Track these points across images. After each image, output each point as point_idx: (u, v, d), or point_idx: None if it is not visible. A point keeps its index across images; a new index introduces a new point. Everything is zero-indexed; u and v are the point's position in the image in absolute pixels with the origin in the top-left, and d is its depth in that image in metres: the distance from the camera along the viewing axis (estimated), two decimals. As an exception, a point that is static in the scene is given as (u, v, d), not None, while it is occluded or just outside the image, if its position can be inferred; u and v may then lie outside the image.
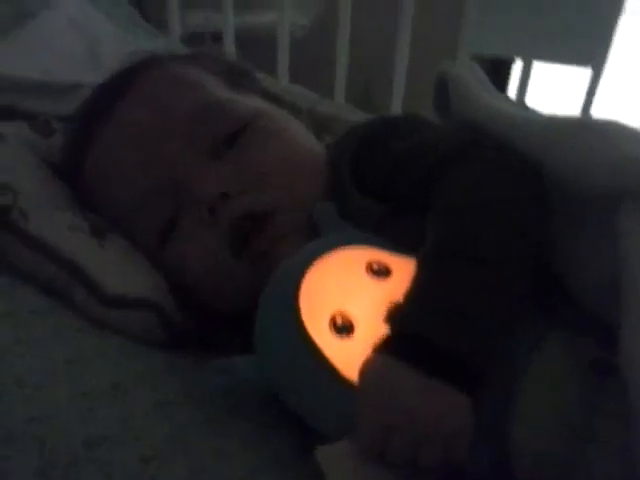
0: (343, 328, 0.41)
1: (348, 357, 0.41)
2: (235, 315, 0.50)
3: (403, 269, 0.43)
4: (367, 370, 0.38)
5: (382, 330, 0.40)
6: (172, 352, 0.50)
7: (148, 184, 0.52)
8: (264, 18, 1.73)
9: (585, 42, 1.18)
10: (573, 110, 1.37)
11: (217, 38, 1.68)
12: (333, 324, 0.42)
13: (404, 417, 0.36)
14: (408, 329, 0.38)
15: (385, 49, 1.32)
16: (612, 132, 0.44)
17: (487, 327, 0.38)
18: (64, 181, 0.59)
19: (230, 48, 1.34)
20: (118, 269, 0.51)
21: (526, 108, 0.71)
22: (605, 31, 1.18)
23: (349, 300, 0.43)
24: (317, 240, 0.47)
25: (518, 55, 1.35)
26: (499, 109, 0.50)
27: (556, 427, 0.40)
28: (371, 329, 0.41)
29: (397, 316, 0.39)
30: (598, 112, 1.35)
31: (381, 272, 0.44)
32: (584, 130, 0.44)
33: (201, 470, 0.39)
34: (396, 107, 1.33)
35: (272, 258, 0.48)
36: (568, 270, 0.46)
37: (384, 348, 0.38)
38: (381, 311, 0.41)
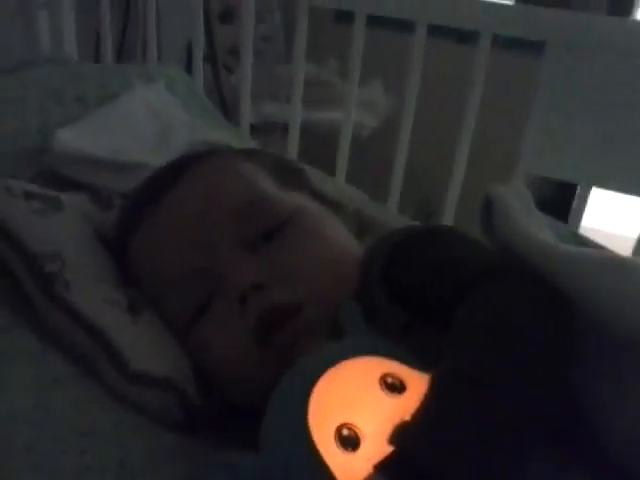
0: (349, 441, 0.41)
1: (350, 471, 0.40)
2: (253, 407, 0.50)
3: (418, 386, 0.43)
4: None
5: (386, 449, 0.39)
6: (187, 435, 0.50)
7: (184, 268, 0.55)
8: (333, 115, 1.81)
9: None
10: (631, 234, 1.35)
11: (286, 130, 1.76)
12: (339, 436, 0.41)
13: None
14: (407, 456, 0.37)
15: (444, 163, 1.36)
16: None
17: (490, 469, 0.37)
18: (112, 256, 0.62)
19: (294, 140, 1.40)
20: (146, 346, 0.53)
21: (575, 236, 0.72)
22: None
23: (358, 413, 0.42)
24: (336, 344, 0.48)
25: (576, 180, 1.35)
26: (537, 237, 0.50)
27: None
28: (376, 445, 0.40)
29: (400, 439, 0.39)
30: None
31: (395, 387, 0.44)
32: (624, 268, 0.43)
33: None
34: (448, 222, 1.34)
35: (293, 352, 0.49)
36: (593, 415, 0.44)
37: (383, 468, 0.37)
38: (389, 428, 0.41)
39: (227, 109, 1.90)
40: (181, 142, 0.89)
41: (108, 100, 0.90)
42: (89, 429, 0.45)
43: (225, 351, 0.52)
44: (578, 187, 1.57)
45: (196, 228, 0.56)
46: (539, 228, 0.54)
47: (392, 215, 0.91)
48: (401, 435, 0.39)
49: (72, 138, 0.80)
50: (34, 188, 0.64)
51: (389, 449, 0.39)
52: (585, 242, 0.70)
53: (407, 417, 0.40)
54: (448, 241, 0.54)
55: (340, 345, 0.48)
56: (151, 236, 0.58)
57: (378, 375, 0.44)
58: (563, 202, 1.98)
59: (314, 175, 0.76)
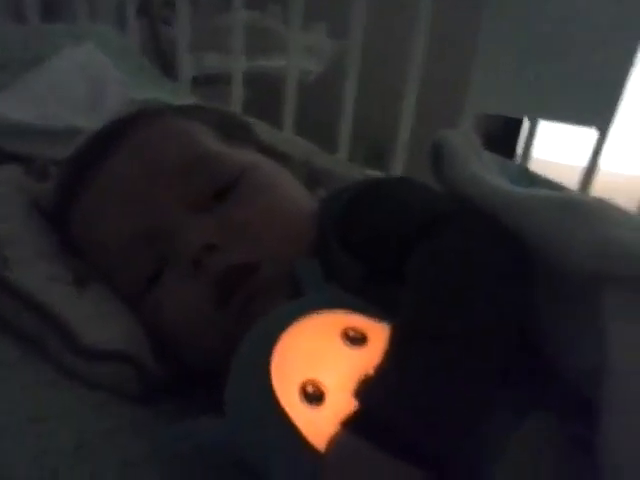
0: (313, 397, 0.41)
1: (317, 426, 0.40)
2: (212, 371, 0.49)
3: (380, 337, 0.42)
4: (331, 447, 0.37)
5: (351, 402, 0.39)
6: (145, 407, 0.49)
7: (133, 232, 0.52)
8: (276, 62, 1.76)
9: (590, 103, 1.19)
10: (580, 165, 1.38)
11: (229, 81, 1.72)
12: (304, 392, 0.41)
13: None
14: (372, 409, 0.37)
15: (392, 105, 1.34)
16: (597, 213, 0.43)
17: (454, 420, 0.37)
18: (53, 227, 0.59)
19: (238, 91, 1.36)
20: (95, 319, 0.51)
21: (525, 173, 0.72)
22: (611, 93, 1.19)
23: (321, 368, 0.42)
24: (295, 301, 0.47)
25: (523, 115, 1.36)
26: (486, 180, 0.50)
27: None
28: (341, 400, 0.40)
29: (364, 392, 0.38)
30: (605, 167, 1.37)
31: (357, 340, 0.43)
32: (569, 209, 0.44)
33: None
34: (399, 167, 1.34)
35: (253, 313, 0.48)
36: (554, 348, 0.45)
37: (350, 424, 0.37)
38: (353, 381, 0.40)
39: (167, 64, 1.84)
40: (116, 103, 0.86)
41: (34, 65, 0.85)
42: (41, 414, 0.43)
43: (182, 316, 0.51)
44: (524, 121, 1.59)
45: (141, 191, 0.53)
46: (488, 171, 0.54)
47: (343, 164, 0.90)
48: (365, 391, 0.38)
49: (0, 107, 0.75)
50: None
51: (354, 404, 0.38)
52: (535, 177, 0.70)
53: (370, 370, 0.40)
54: (400, 191, 0.53)
55: (299, 302, 0.47)
56: (93, 204, 0.55)
57: (339, 329, 0.44)
58: (510, 136, 2.01)
59: (261, 128, 0.74)
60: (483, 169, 0.53)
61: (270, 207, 0.54)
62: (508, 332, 0.41)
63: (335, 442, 0.37)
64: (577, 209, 0.44)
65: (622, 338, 0.38)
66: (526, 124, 1.46)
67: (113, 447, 0.43)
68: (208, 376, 0.51)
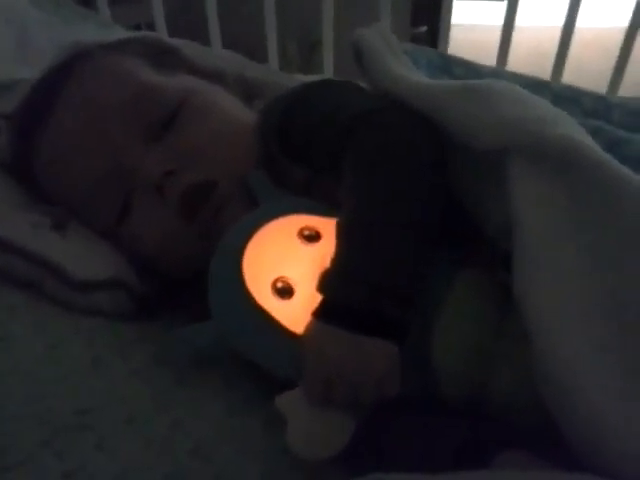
0: (284, 291, 0.49)
1: (292, 315, 0.48)
2: (191, 281, 0.56)
3: (332, 232, 0.50)
4: (306, 335, 0.45)
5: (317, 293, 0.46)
6: (141, 325, 0.56)
7: (96, 174, 0.57)
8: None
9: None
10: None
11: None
12: (275, 289, 0.49)
13: (336, 370, 0.43)
14: (333, 297, 0.45)
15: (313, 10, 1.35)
16: (495, 94, 0.50)
17: (394, 279, 0.45)
18: (16, 179, 0.63)
19: (158, 6, 1.34)
20: (82, 256, 0.56)
21: (443, 58, 0.77)
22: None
23: (287, 266, 0.50)
24: (252, 212, 0.53)
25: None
26: (403, 77, 0.55)
27: (467, 351, 0.47)
28: (308, 289, 0.48)
29: (324, 284, 0.46)
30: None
31: (312, 237, 0.51)
32: (470, 93, 0.50)
33: (181, 419, 0.47)
34: (328, 66, 1.36)
35: (218, 225, 0.55)
36: (478, 215, 0.52)
37: (317, 314, 0.45)
38: (315, 271, 0.48)
39: None
40: (42, 45, 0.86)
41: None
42: (55, 342, 0.50)
43: (156, 238, 0.57)
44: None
45: (94, 134, 0.57)
46: (404, 65, 0.60)
47: (274, 73, 0.93)
48: (325, 282, 0.46)
49: None
50: None
51: (319, 295, 0.46)
52: (452, 60, 0.76)
53: (328, 262, 0.47)
54: (327, 94, 0.58)
55: (256, 212, 0.54)
56: (52, 153, 0.59)
57: (296, 230, 0.51)
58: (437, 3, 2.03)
59: (189, 48, 0.76)
60: (399, 64, 0.59)
61: (215, 128, 0.59)
62: (432, 207, 0.49)
63: (306, 331, 0.45)
64: (476, 93, 0.50)
65: (524, 195, 0.46)
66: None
67: (124, 358, 0.51)
68: (188, 287, 0.58)
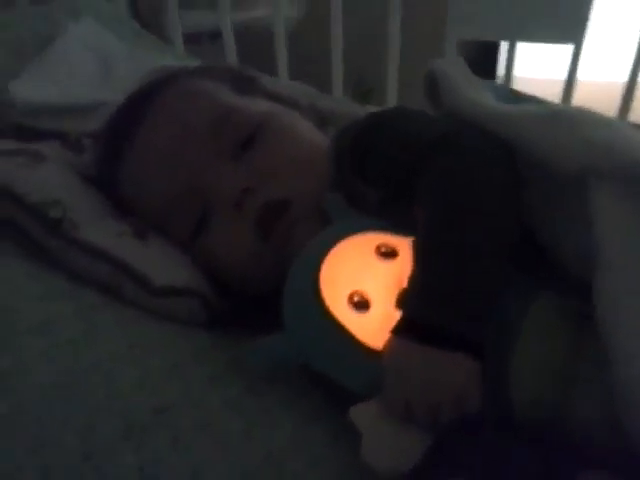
0: (360, 305, 0.49)
1: (367, 329, 0.48)
2: (264, 297, 0.57)
3: (408, 249, 0.50)
4: (387, 352, 0.46)
5: (393, 304, 0.47)
6: (214, 333, 0.58)
7: (177, 190, 0.60)
8: (255, 13, 1.79)
9: (566, 21, 1.25)
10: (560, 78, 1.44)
11: (213, 36, 1.74)
12: (352, 302, 0.49)
13: (418, 389, 0.43)
14: (413, 315, 0.46)
15: (377, 40, 1.39)
16: (579, 119, 0.50)
17: (475, 304, 0.45)
18: (102, 193, 0.66)
19: (230, 46, 1.40)
20: (162, 264, 0.59)
21: (512, 92, 0.78)
22: (583, 8, 1.24)
23: (363, 280, 0.50)
24: (329, 229, 0.55)
25: (502, 39, 1.42)
26: (481, 101, 0.57)
27: (545, 375, 0.46)
28: (384, 304, 0.49)
29: (404, 302, 0.47)
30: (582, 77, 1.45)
31: (389, 254, 0.52)
32: (555, 118, 0.51)
33: (254, 425, 0.48)
34: (391, 98, 1.39)
35: (292, 242, 0.56)
36: (552, 242, 0.52)
37: (398, 331, 0.46)
38: (391, 287, 0.49)
39: (144, 24, 1.85)
40: (124, 73, 0.91)
41: (45, 45, 0.90)
42: (136, 342, 0.51)
43: (231, 254, 0.59)
44: (501, 44, 1.63)
45: (176, 152, 0.60)
46: (481, 93, 0.61)
47: (344, 103, 0.96)
48: (403, 299, 0.47)
49: (25, 89, 0.81)
50: (11, 145, 0.67)
51: (397, 312, 0.47)
52: (520, 95, 0.77)
53: (405, 277, 0.48)
54: (401, 118, 0.60)
55: (333, 229, 0.55)
56: (136, 168, 0.62)
57: (373, 247, 0.52)
58: (488, 60, 2.06)
59: (263, 78, 0.80)
60: (476, 92, 0.60)
61: (292, 149, 0.61)
62: (509, 231, 0.49)
63: (387, 349, 0.46)
64: (560, 118, 0.51)
65: (611, 222, 0.45)
66: (504, 46, 1.51)
67: (201, 363, 0.52)
68: (259, 301, 0.59)
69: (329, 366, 0.49)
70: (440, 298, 0.45)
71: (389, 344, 0.46)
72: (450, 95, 0.60)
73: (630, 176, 0.46)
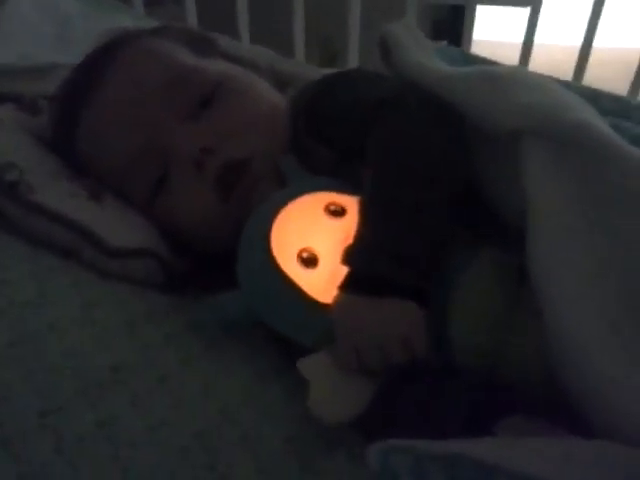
0: (309, 261, 0.51)
1: (316, 284, 0.50)
2: (221, 256, 0.58)
3: (356, 208, 0.52)
4: (335, 307, 0.48)
5: (341, 265, 0.49)
6: (171, 294, 0.59)
7: (135, 149, 0.60)
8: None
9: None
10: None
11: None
12: (301, 259, 0.51)
13: (366, 335, 0.46)
14: (357, 269, 0.48)
15: (341, 3, 1.38)
16: (515, 81, 0.53)
17: (418, 253, 0.48)
18: (58, 154, 0.66)
19: (191, 7, 1.38)
20: (118, 225, 0.59)
21: (464, 55, 0.80)
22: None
23: (312, 238, 0.52)
24: (282, 190, 0.56)
25: (462, 2, 1.43)
26: (427, 65, 0.58)
27: (483, 323, 0.49)
28: (332, 260, 0.50)
29: (348, 258, 0.48)
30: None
31: (338, 212, 0.53)
32: (489, 80, 0.54)
33: (211, 384, 0.49)
34: (353, 61, 1.39)
35: (252, 202, 0.57)
36: (495, 201, 0.55)
37: (344, 285, 0.48)
38: (340, 244, 0.50)
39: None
40: (80, 34, 0.89)
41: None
42: (92, 302, 0.52)
43: (192, 213, 0.60)
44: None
45: (135, 110, 0.60)
46: (430, 57, 0.63)
47: (303, 66, 0.96)
48: (349, 255, 0.49)
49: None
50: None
51: (343, 268, 0.49)
52: (473, 59, 0.79)
53: (352, 236, 0.50)
54: (355, 80, 0.61)
55: (286, 189, 0.56)
56: (94, 128, 0.62)
57: (322, 205, 0.54)
58: (457, 20, 2.07)
59: (223, 40, 0.79)
60: (424, 56, 0.62)
61: (251, 109, 0.62)
62: (453, 184, 0.51)
63: (335, 303, 0.48)
64: (497, 81, 0.53)
65: (535, 172, 0.49)
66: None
67: (157, 322, 0.53)
68: (217, 262, 0.60)
69: (280, 321, 0.51)
70: (383, 249, 0.47)
71: (337, 299, 0.48)
72: (399, 59, 0.62)
73: (551, 133, 0.49)
